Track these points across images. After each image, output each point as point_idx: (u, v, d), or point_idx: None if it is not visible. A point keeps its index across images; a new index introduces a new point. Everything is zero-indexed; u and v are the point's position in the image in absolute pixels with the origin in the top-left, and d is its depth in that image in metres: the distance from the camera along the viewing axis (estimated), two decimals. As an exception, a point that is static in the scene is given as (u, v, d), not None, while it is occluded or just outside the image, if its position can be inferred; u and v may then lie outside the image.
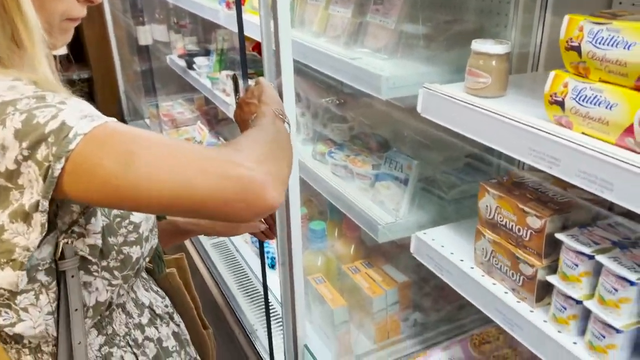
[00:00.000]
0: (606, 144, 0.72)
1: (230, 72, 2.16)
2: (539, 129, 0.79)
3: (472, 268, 1.03)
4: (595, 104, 0.73)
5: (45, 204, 0.64)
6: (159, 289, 0.96)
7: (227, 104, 2.07)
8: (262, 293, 1.63)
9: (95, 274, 0.78)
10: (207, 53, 2.52)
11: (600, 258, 0.77)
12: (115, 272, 0.80)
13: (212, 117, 2.92)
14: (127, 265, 0.82)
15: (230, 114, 2.12)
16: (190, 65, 2.53)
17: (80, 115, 0.64)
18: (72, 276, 0.74)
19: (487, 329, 1.35)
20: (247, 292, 1.65)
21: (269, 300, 1.28)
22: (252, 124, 0.87)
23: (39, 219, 0.65)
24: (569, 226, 0.87)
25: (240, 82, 1.19)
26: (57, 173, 0.62)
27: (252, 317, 1.52)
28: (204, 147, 0.72)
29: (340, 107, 1.64)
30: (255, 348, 1.37)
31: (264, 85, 0.98)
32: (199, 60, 2.49)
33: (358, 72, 1.12)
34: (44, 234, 0.67)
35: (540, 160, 0.79)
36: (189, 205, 0.65)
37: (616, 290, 0.75)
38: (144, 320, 0.89)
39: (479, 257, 1.02)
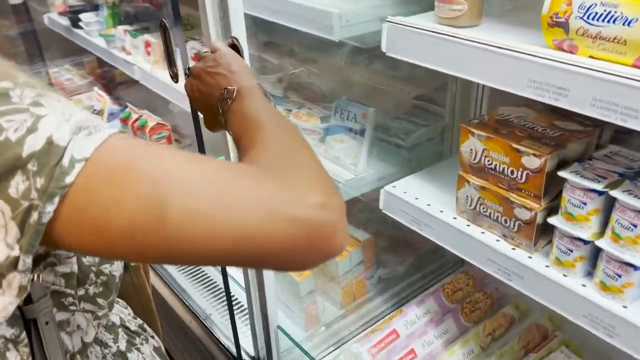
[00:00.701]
0: (622, 66, 0.64)
1: (129, 27, 1.89)
2: (540, 57, 0.69)
3: (455, 218, 0.95)
4: (609, 21, 0.64)
5: (28, 262, 0.43)
6: (118, 299, 0.77)
7: (130, 63, 1.80)
8: (213, 277, 1.48)
9: (73, 307, 0.57)
10: (95, 8, 2.19)
11: (615, 193, 0.70)
12: (100, 300, 0.60)
13: (109, 81, 2.59)
14: (111, 288, 0.62)
15: (136, 75, 1.87)
16: (75, 24, 2.19)
17: (71, 127, 0.43)
18: (47, 322, 0.53)
19: (457, 276, 1.30)
20: (194, 278, 1.48)
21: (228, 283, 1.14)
22: (232, 107, 0.65)
23: (18, 280, 0.44)
24: (566, 162, 0.81)
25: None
26: (46, 219, 0.42)
27: (204, 303, 1.36)
28: (251, 170, 0.50)
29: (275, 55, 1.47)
30: (214, 336, 1.22)
31: (225, 51, 0.74)
32: (85, 17, 2.15)
33: (306, 13, 0.96)
34: (23, 298, 0.46)
35: (544, 92, 0.70)
36: (243, 259, 0.48)
37: (635, 225, 0.69)
38: (122, 345, 0.69)
39: (461, 206, 0.93)
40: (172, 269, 1.47)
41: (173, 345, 1.43)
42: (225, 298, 1.37)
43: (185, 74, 0.78)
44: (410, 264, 1.39)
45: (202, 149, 0.99)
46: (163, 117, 1.78)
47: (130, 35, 1.80)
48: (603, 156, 0.80)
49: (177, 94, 1.54)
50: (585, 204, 0.74)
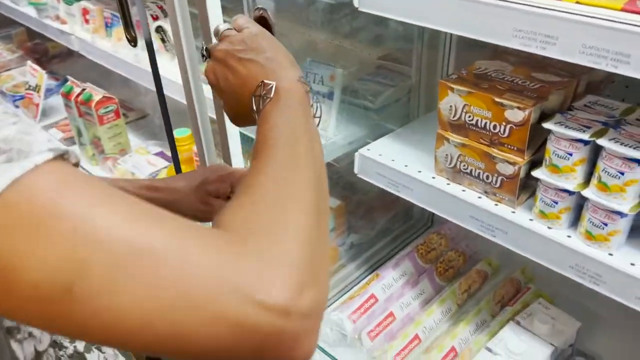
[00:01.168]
0: (612, 11, 0.63)
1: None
2: (526, 4, 0.66)
3: (434, 178, 0.93)
4: (598, -36, 0.62)
5: None
6: None
7: (67, 33, 1.67)
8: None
9: None
10: (20, -27, 2.00)
11: (602, 142, 0.70)
12: None
13: (42, 55, 2.40)
14: None
15: (74, 45, 1.73)
16: (-1, -8, 2.00)
17: None
18: None
19: (429, 236, 1.30)
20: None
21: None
22: (265, 109, 0.53)
23: None
24: (546, 115, 0.80)
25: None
26: None
27: None
28: (212, 242, 0.38)
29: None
30: None
31: (254, 30, 0.61)
32: (11, -16, 1.97)
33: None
34: None
35: (531, 41, 0.68)
36: (171, 354, 0.37)
37: (622, 173, 0.69)
38: (80, 345, 0.62)
39: (440, 165, 0.91)
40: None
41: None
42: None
43: (203, 55, 0.63)
44: (380, 227, 1.38)
45: (169, 128, 0.92)
46: (109, 91, 1.67)
47: (65, 3, 1.66)
48: (583, 106, 0.80)
49: (123, 64, 1.44)
50: (571, 154, 0.74)
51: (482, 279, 1.26)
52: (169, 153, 1.69)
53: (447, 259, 1.27)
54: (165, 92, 0.98)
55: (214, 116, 0.91)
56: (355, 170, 1.03)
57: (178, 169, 0.93)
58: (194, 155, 1.32)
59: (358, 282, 1.28)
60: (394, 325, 1.14)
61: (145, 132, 1.92)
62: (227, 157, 0.91)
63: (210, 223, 0.71)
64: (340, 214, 1.25)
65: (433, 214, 1.47)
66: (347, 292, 1.26)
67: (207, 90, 0.89)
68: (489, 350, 0.96)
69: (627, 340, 1.08)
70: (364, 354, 1.08)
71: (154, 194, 0.70)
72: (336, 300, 1.23)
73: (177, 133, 1.38)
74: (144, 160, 1.63)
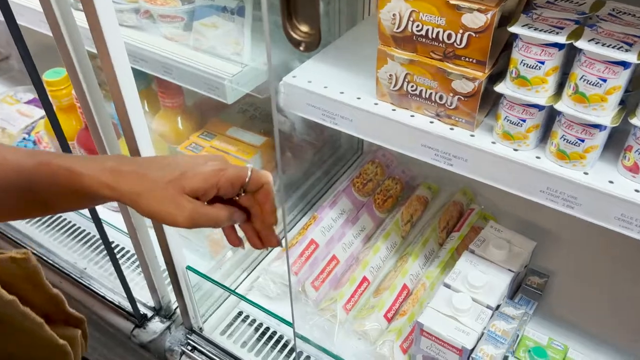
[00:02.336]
0: None
1: None
2: None
3: (377, 104, 0.79)
4: None
5: None
6: None
7: None
8: (81, 225, 1.20)
9: None
10: None
11: (581, 44, 0.59)
12: None
13: None
14: None
15: None
16: None
17: None
18: None
19: (364, 167, 1.18)
20: (55, 230, 1.18)
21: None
22: None
23: None
24: (504, 18, 0.67)
25: None
26: None
27: (75, 257, 1.09)
28: None
29: None
30: (98, 293, 0.98)
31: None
32: None
33: None
34: None
35: None
36: None
37: (604, 80, 0.59)
38: None
39: (383, 88, 0.77)
40: (22, 225, 1.16)
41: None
42: (103, 245, 1.12)
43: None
44: (309, 163, 1.24)
45: (32, 69, 0.68)
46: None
47: None
48: (545, 3, 0.68)
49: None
50: (542, 63, 0.62)
51: (423, 206, 1.18)
52: (46, 99, 1.41)
53: (385, 189, 1.17)
54: (22, 22, 0.74)
55: (94, 49, 0.69)
56: (280, 104, 0.87)
57: (55, 121, 0.72)
58: (76, 101, 1.08)
59: (295, 225, 1.16)
60: (338, 269, 1.04)
61: (9, 78, 1.60)
62: (119, 99, 0.71)
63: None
64: (267, 152, 1.08)
65: (362, 140, 1.35)
66: (283, 238, 1.12)
67: (80, 18, 0.67)
68: (448, 286, 0.88)
69: (578, 253, 1.06)
70: (311, 306, 0.97)
71: (116, 180, 0.52)
72: (273, 249, 1.10)
73: (50, 75, 1.12)
74: (14, 111, 1.34)
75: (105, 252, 1.09)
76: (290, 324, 0.86)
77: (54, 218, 1.20)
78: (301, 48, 0.46)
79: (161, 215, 0.53)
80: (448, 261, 1.02)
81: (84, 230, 1.17)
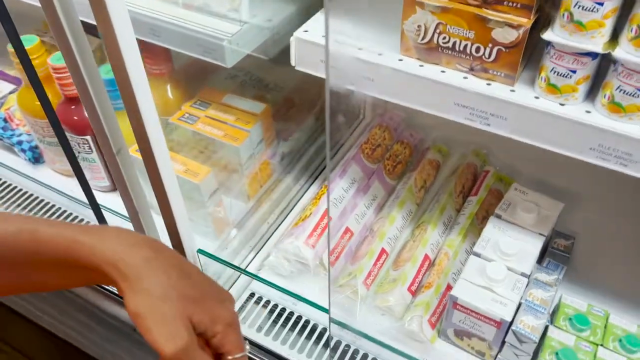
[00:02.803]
0: None
1: None
2: None
3: (402, 60, 0.71)
4: None
5: None
6: None
7: None
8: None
9: None
10: None
11: (651, -20, 0.52)
12: None
13: None
14: None
15: None
16: None
17: None
18: None
19: (372, 132, 1.11)
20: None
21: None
22: None
23: None
24: (551, -47, 0.59)
25: None
26: None
27: None
28: None
29: None
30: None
31: None
32: None
33: None
34: None
35: None
36: None
37: (675, 20, 0.53)
38: None
39: (409, 42, 0.69)
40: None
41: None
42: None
43: None
44: (308, 130, 1.16)
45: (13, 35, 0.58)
46: None
47: None
48: (597, -63, 0.60)
49: None
50: (601, 4, 0.55)
51: (435, 170, 1.11)
52: (10, 72, 1.29)
53: (394, 154, 1.11)
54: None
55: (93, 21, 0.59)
56: (293, 62, 0.78)
57: (42, 94, 0.62)
58: (54, 72, 0.96)
59: (300, 198, 1.08)
60: (352, 242, 0.97)
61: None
62: (121, 69, 0.61)
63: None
64: (267, 119, 1.00)
65: (364, 103, 1.27)
66: (291, 211, 1.05)
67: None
68: (478, 255, 0.82)
69: (599, 213, 1.02)
70: (323, 280, 0.91)
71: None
72: (281, 224, 1.03)
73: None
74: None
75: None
76: (316, 305, 0.80)
77: (41, 202, 1.10)
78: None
79: (148, 328, 0.44)
80: (469, 227, 0.96)
81: (72, 215, 1.07)
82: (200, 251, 0.77)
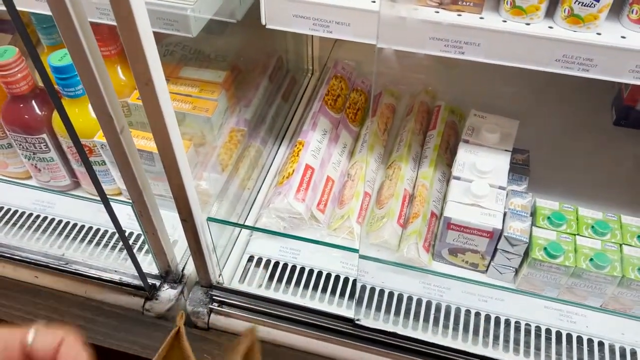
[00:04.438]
0: None
1: None
2: None
3: (374, 1, 0.74)
4: None
5: None
6: None
7: None
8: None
9: None
10: None
11: None
12: None
13: None
14: None
15: None
16: None
17: None
18: None
19: (330, 84, 1.14)
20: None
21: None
22: None
23: None
24: None
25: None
26: None
27: (47, 247, 0.94)
28: None
29: None
30: (86, 275, 0.84)
31: None
32: None
33: None
34: None
35: None
36: None
37: None
38: None
39: (379, -16, 0.73)
40: None
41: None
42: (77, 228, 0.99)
43: None
44: (264, 89, 1.17)
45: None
46: None
47: None
48: None
49: None
50: None
51: (392, 112, 1.17)
52: None
53: (353, 102, 1.15)
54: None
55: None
56: (263, 21, 0.79)
57: (63, 114, 0.58)
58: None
59: (273, 160, 1.10)
60: (335, 189, 1.01)
61: None
62: (142, 62, 0.57)
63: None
64: (229, 86, 1.00)
65: (312, 59, 1.30)
66: (267, 173, 1.07)
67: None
68: (458, 178, 0.90)
69: (551, 131, 1.13)
70: (324, 229, 0.95)
71: None
72: (261, 187, 1.04)
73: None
74: None
75: (81, 233, 0.96)
76: (345, 248, 0.84)
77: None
78: None
79: None
80: (436, 159, 1.03)
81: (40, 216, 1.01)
82: (210, 219, 0.77)
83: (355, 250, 0.74)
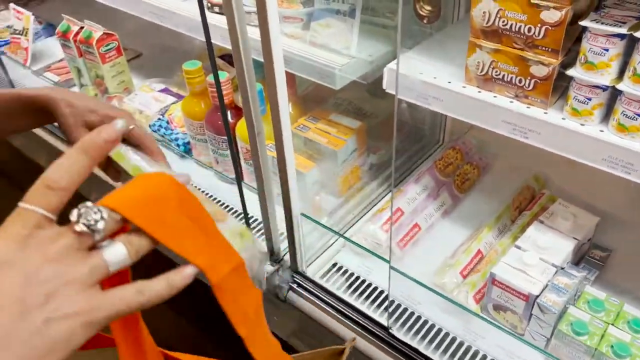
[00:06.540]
0: None
1: None
2: None
3: (464, 87, 0.96)
4: None
5: None
6: None
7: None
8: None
9: None
10: None
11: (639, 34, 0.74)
12: None
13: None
14: None
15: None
16: None
17: None
18: None
19: (446, 152, 1.35)
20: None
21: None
22: None
23: None
24: (576, 15, 0.82)
25: None
26: None
27: None
28: None
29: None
30: None
31: None
32: None
33: None
34: None
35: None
36: None
37: (658, 64, 0.74)
38: None
39: (471, 74, 0.94)
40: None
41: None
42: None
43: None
44: (395, 148, 1.42)
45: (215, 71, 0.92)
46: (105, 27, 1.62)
47: None
48: (614, 4, 0.83)
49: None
50: (607, 50, 0.77)
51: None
52: (174, 89, 1.68)
53: (463, 172, 1.33)
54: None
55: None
56: (384, 86, 1.05)
57: (224, 115, 0.95)
58: (209, 87, 1.32)
59: (380, 200, 1.34)
60: (420, 236, 1.20)
61: (142, 72, 1.89)
62: (273, 90, 0.91)
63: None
64: (361, 134, 1.28)
65: (444, 132, 1.52)
66: (371, 208, 1.31)
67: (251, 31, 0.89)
68: (518, 247, 1.02)
69: (637, 234, 1.17)
70: (394, 261, 1.15)
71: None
72: (363, 217, 1.28)
73: (188, 65, 1.37)
74: (150, 97, 1.62)
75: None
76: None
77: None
78: (425, 21, 0.64)
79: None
80: (518, 234, 1.16)
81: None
82: (303, 215, 1.04)
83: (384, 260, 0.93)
